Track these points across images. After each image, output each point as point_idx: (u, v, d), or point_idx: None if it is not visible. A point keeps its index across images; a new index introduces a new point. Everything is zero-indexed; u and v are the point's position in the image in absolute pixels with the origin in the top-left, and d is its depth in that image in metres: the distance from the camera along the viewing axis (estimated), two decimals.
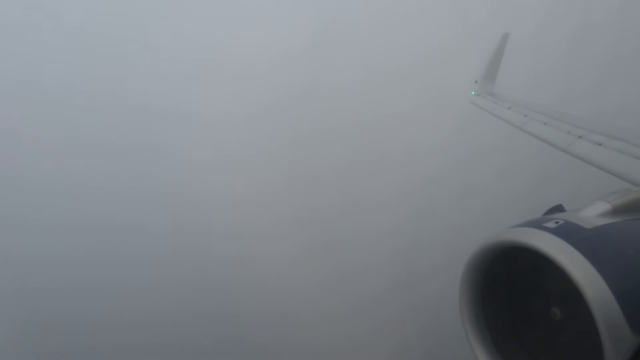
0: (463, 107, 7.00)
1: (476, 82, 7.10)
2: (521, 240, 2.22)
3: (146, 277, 11.88)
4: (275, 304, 12.56)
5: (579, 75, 12.65)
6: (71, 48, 11.25)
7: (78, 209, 11.68)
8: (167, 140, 12.16)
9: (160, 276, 11.95)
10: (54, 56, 11.18)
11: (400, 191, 12.93)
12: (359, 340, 12.69)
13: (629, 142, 3.73)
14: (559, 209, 2.63)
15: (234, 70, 12.21)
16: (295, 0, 12.12)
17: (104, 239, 11.92)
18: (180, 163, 12.22)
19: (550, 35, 12.69)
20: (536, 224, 2.29)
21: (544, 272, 2.32)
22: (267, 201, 12.57)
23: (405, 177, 12.72)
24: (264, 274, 12.42)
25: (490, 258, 2.38)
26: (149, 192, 12.07)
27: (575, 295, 2.00)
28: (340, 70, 12.59)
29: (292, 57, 12.30)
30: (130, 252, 11.93)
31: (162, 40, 11.82)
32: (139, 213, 11.98)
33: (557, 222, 2.27)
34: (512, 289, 2.49)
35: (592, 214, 2.46)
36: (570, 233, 2.18)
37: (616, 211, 2.50)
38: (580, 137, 4.18)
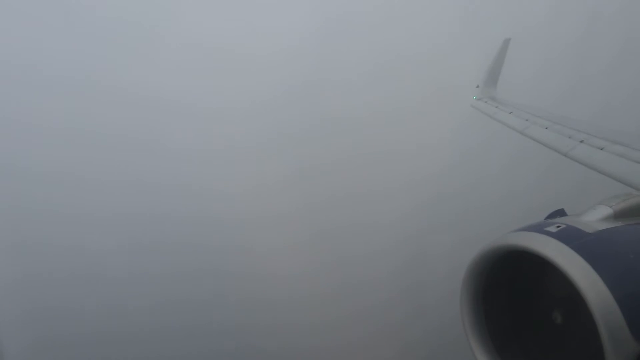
0: (470, 101, 7.03)
1: (478, 86, 7.14)
2: (523, 244, 2.23)
3: (148, 265, 12.07)
4: (276, 303, 12.65)
5: (584, 72, 12.67)
6: (71, 39, 11.28)
7: (85, 201, 11.82)
8: (171, 134, 12.22)
9: (161, 265, 12.13)
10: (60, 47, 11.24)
11: (404, 188, 12.94)
12: (360, 341, 12.72)
13: (630, 147, 3.73)
14: (560, 213, 2.64)
15: (239, 63, 12.23)
16: None
17: (108, 231, 12.04)
18: (186, 156, 12.30)
19: (557, 28, 12.70)
20: (538, 228, 2.30)
21: (545, 276, 2.33)
22: (273, 193, 12.64)
23: (409, 172, 12.74)
24: (265, 265, 12.54)
25: (492, 262, 2.39)
26: (154, 185, 12.17)
27: (577, 299, 2.01)
28: (346, 64, 12.64)
29: (297, 52, 12.35)
30: (137, 242, 12.06)
31: (166, 33, 11.85)
32: (146, 205, 12.13)
33: (558, 226, 2.28)
34: (513, 292, 2.50)
35: (593, 218, 2.46)
36: (572, 237, 2.19)
37: (618, 215, 2.51)
38: (581, 141, 4.19)
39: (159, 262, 12.20)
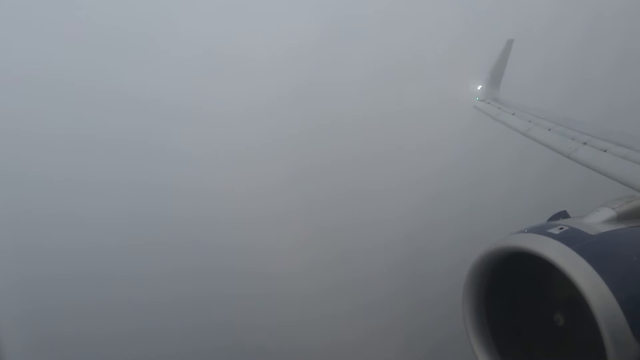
0: (473, 102, 7.03)
1: (480, 87, 7.13)
2: (525, 246, 2.22)
3: (150, 265, 12.15)
4: (275, 298, 12.70)
5: (587, 73, 12.64)
6: (73, 42, 11.34)
7: (88, 203, 11.90)
8: (173, 137, 12.28)
9: (162, 265, 12.19)
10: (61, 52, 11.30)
11: (405, 186, 12.96)
12: (360, 341, 12.73)
13: (634, 149, 3.72)
14: (563, 215, 2.64)
15: (241, 66, 12.27)
16: None
17: (111, 232, 12.11)
18: (187, 159, 12.36)
19: (561, 29, 12.69)
20: (540, 230, 2.29)
21: (547, 278, 2.32)
22: (275, 192, 12.69)
23: (411, 171, 12.77)
24: (264, 263, 12.61)
25: (494, 264, 2.38)
26: (156, 188, 12.24)
27: (579, 301, 2.00)
28: (348, 66, 12.66)
29: (299, 54, 12.38)
30: (138, 242, 12.13)
31: (168, 36, 11.88)
32: (151, 207, 12.21)
33: (561, 228, 2.27)
34: (515, 294, 2.49)
35: (596, 220, 2.46)
36: (574, 239, 2.19)
37: (621, 218, 2.50)
38: (585, 143, 4.17)
39: (160, 262, 12.28)
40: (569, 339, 2.29)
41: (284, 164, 12.64)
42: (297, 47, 12.25)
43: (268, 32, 12.26)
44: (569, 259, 2.07)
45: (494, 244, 2.37)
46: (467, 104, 7.31)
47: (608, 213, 2.51)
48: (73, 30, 11.28)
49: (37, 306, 11.36)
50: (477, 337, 2.45)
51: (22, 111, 11.28)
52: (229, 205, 12.41)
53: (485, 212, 12.64)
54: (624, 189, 3.33)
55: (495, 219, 11.89)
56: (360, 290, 12.93)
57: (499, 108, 6.16)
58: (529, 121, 5.27)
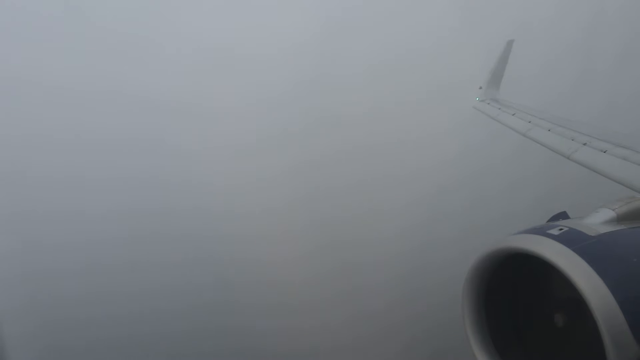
0: (473, 102, 7.03)
1: (480, 88, 7.12)
2: (525, 247, 2.22)
3: (152, 255, 12.32)
4: (275, 297, 12.74)
5: (587, 73, 12.64)
6: (74, 44, 11.36)
7: (92, 200, 12.05)
8: (175, 133, 12.34)
9: (161, 255, 12.42)
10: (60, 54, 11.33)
11: (405, 181, 12.98)
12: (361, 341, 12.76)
13: (633, 150, 3.72)
14: (563, 216, 2.64)
15: (241, 62, 12.31)
16: None
17: (113, 226, 12.15)
18: (189, 154, 12.44)
19: (561, 28, 12.70)
20: (540, 231, 2.29)
21: (547, 278, 2.32)
22: (275, 186, 12.74)
23: (409, 166, 12.80)
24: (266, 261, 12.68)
25: (494, 264, 2.38)
26: (159, 184, 12.31)
27: (579, 302, 2.00)
28: (348, 61, 12.69)
29: (300, 50, 12.42)
30: (138, 240, 12.23)
31: (168, 32, 11.92)
32: (155, 203, 12.28)
33: (561, 229, 2.27)
34: (515, 295, 2.49)
35: (596, 221, 2.46)
36: (574, 240, 2.18)
37: (620, 219, 2.50)
38: (584, 144, 4.17)
39: (161, 260, 12.40)
40: (568, 340, 2.30)
41: (284, 158, 12.72)
42: (297, 43, 12.30)
43: (268, 28, 12.30)
44: (568, 260, 2.07)
45: (493, 245, 2.36)
46: (466, 100, 7.32)
47: (608, 214, 2.51)
48: (73, 30, 11.30)
49: (36, 306, 11.41)
50: (477, 338, 2.44)
51: (22, 111, 11.32)
52: (230, 200, 12.49)
53: (486, 207, 12.67)
54: (623, 189, 3.33)
55: (496, 212, 11.94)
56: (361, 291, 12.98)
57: (499, 108, 6.15)
58: (529, 122, 5.27)
